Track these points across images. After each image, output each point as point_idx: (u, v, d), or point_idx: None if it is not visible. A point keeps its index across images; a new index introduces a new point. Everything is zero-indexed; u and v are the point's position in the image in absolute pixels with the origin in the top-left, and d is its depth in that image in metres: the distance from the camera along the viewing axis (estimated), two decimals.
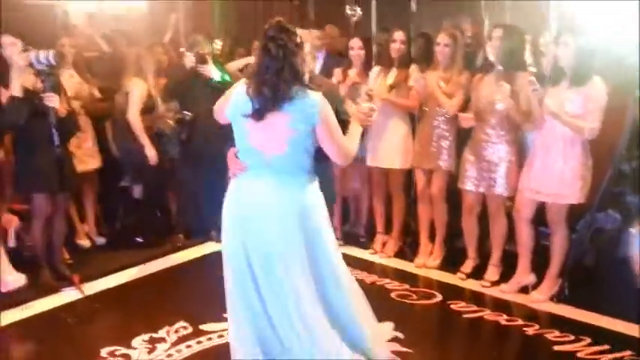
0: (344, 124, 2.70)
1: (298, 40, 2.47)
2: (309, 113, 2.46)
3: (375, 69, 4.65)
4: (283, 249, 2.54)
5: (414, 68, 4.43)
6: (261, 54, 2.48)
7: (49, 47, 3.84)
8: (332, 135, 2.53)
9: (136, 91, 4.71)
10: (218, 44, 5.88)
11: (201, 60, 4.66)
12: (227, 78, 4.82)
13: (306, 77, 2.58)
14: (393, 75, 4.50)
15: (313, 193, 2.62)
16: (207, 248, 4.91)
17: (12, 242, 4.30)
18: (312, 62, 2.94)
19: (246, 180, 2.62)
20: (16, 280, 3.99)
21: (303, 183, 2.59)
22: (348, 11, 5.82)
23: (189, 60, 4.67)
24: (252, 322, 2.62)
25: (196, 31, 5.59)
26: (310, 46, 2.77)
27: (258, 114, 2.47)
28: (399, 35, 4.47)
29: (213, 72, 4.71)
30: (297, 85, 2.45)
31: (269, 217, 2.54)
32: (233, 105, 2.58)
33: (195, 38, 4.91)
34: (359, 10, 5.67)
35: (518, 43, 3.98)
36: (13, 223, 4.31)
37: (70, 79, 4.64)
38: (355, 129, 2.70)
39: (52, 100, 3.81)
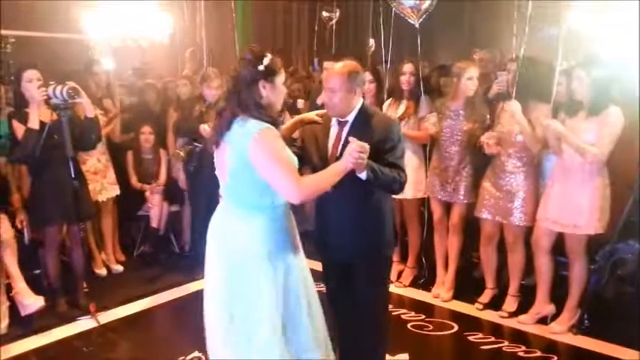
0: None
1: (261, 67, 2.32)
2: (241, 145, 2.30)
3: (387, 101, 4.66)
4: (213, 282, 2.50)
5: (423, 100, 4.45)
6: None
7: (75, 82, 3.90)
8: (270, 170, 2.29)
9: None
10: None
11: None
12: None
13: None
14: (403, 107, 4.51)
15: (244, 232, 2.41)
16: None
17: (27, 239, 4.25)
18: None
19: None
20: (33, 303, 3.92)
21: (240, 218, 2.44)
22: (371, 43, 5.90)
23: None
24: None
25: (219, 65, 5.68)
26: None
27: (214, 143, 2.47)
28: (408, 68, 4.48)
29: None
30: (244, 115, 2.32)
31: (209, 247, 2.53)
32: None
33: (207, 72, 4.87)
34: (374, 43, 5.75)
35: (537, 75, 3.92)
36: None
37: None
38: (333, 167, 2.42)
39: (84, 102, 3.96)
